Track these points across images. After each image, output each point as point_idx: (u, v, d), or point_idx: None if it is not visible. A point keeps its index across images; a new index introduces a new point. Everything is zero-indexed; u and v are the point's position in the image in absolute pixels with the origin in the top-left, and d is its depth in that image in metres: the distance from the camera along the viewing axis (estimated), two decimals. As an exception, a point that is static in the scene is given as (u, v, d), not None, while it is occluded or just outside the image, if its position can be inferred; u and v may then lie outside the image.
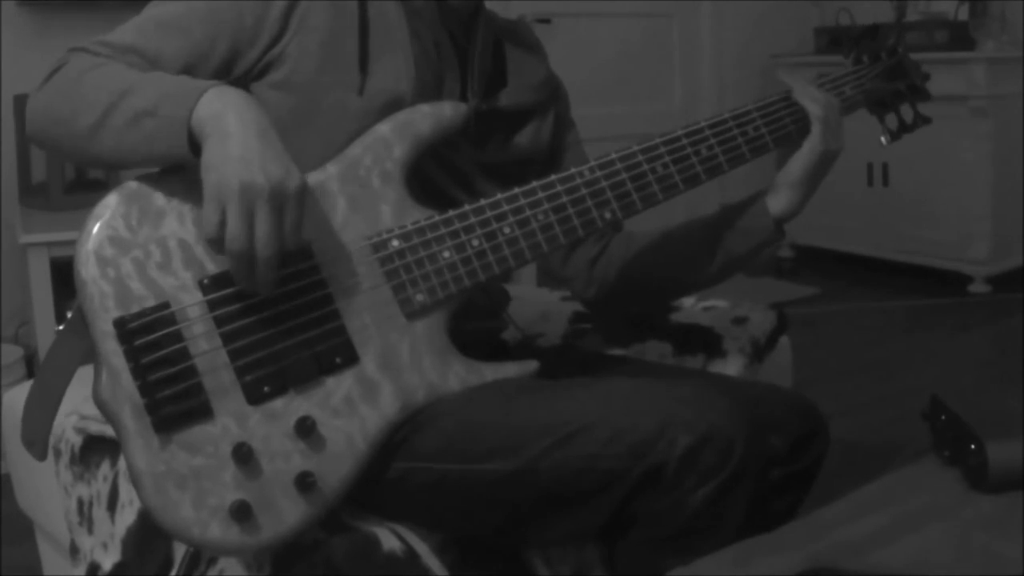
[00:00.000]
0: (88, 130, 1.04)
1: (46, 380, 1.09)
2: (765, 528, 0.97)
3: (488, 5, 1.30)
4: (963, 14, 3.88)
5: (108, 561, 1.18)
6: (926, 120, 1.43)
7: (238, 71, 1.13)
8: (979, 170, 3.71)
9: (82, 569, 1.22)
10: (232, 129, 0.98)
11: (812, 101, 1.25)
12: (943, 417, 1.07)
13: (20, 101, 2.65)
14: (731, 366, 1.49)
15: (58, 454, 1.29)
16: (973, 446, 1.00)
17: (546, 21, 3.96)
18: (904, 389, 2.78)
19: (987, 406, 1.06)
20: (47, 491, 1.37)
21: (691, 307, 1.67)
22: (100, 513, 1.20)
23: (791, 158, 1.25)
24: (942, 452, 1.07)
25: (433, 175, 1.18)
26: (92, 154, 1.06)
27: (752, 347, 1.55)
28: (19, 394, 1.52)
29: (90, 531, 1.22)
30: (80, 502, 1.24)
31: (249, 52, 1.12)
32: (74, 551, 1.25)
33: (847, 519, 0.96)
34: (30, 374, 2.58)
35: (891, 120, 1.43)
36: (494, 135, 1.25)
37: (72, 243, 1.05)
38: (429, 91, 1.17)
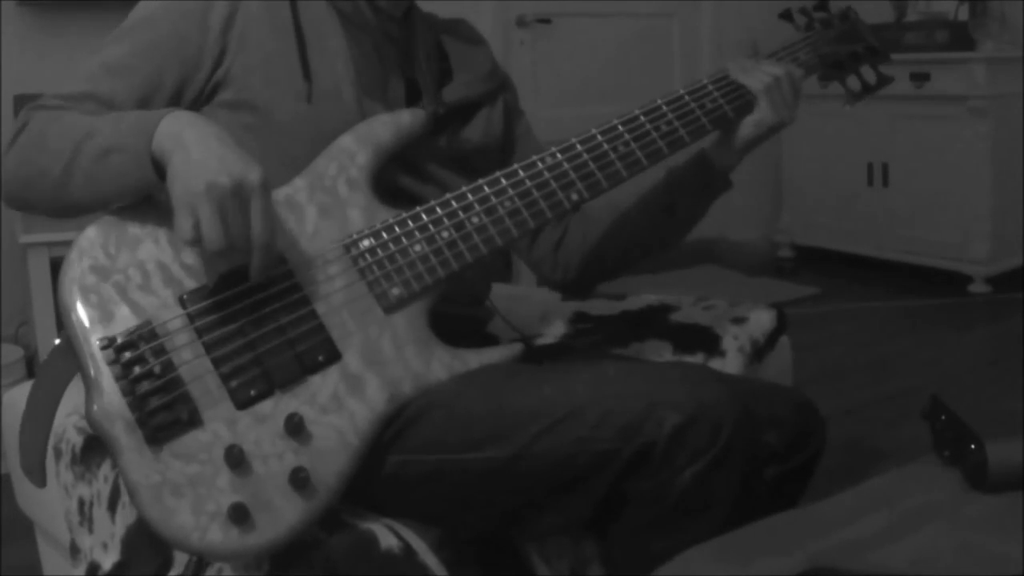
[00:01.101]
0: (59, 179, 1.08)
1: (36, 408, 1.11)
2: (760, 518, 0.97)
3: (488, 6, 1.31)
4: (963, 14, 3.88)
5: (108, 561, 1.18)
6: (888, 79, 1.44)
7: (189, 96, 1.17)
8: (979, 170, 3.71)
9: (82, 569, 1.22)
10: (190, 141, 1.02)
11: (748, 76, 1.27)
12: (943, 417, 1.07)
13: (20, 101, 2.65)
14: (731, 365, 1.49)
15: (59, 454, 1.29)
16: (973, 446, 1.00)
17: (546, 21, 3.96)
18: (904, 389, 2.78)
19: (987, 406, 1.07)
20: (47, 491, 1.37)
21: (691, 307, 1.67)
22: (100, 513, 1.21)
23: (740, 124, 1.27)
24: (942, 452, 1.07)
25: (396, 178, 1.21)
26: (69, 202, 1.10)
27: (752, 347, 1.55)
28: (19, 394, 1.52)
29: (90, 531, 1.22)
30: (80, 502, 1.24)
31: (197, 76, 1.16)
32: (74, 551, 1.26)
33: (847, 519, 0.96)
34: (30, 374, 2.58)
35: (853, 83, 1.44)
36: (447, 129, 1.28)
37: (72, 243, 1.07)
38: (373, 92, 1.21)
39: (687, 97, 1.25)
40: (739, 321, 1.59)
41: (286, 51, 1.18)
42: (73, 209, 1.11)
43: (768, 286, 3.96)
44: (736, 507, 1.03)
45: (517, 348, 1.16)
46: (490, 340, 1.35)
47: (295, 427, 1.03)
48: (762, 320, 1.60)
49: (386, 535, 1.07)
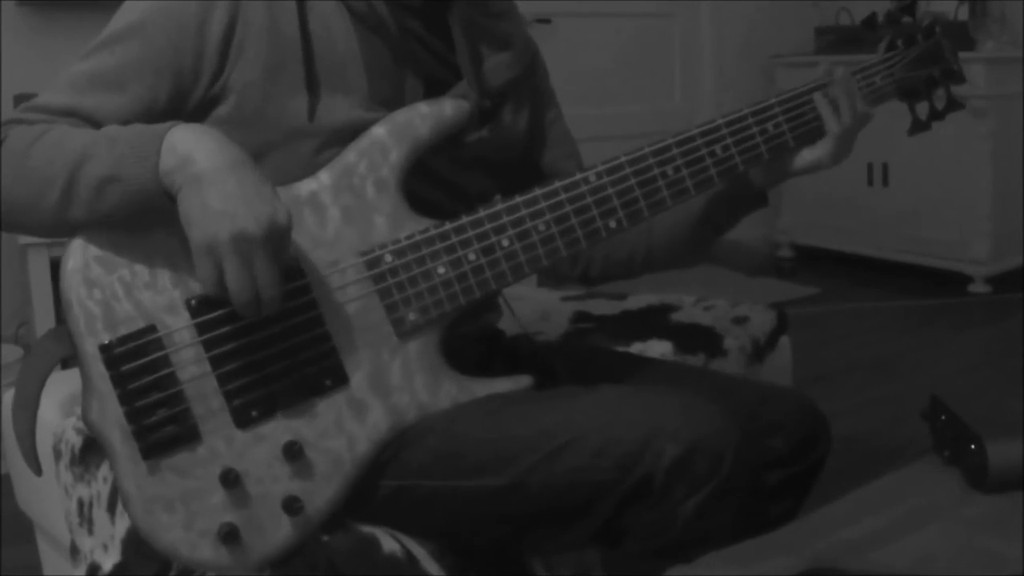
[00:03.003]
0: (56, 209, 0.99)
1: (23, 391, 1.08)
2: (765, 531, 0.96)
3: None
4: (963, 14, 3.88)
5: (108, 562, 1.18)
6: (960, 106, 1.33)
7: (186, 112, 1.07)
8: (979, 170, 3.71)
9: (82, 569, 1.22)
10: (204, 175, 0.94)
11: (836, 115, 1.18)
12: (943, 417, 1.07)
13: (20, 101, 2.65)
14: (731, 366, 1.49)
15: (58, 455, 1.29)
16: (973, 446, 1.00)
17: (546, 21, 3.96)
18: (904, 389, 2.78)
19: (987, 406, 1.06)
20: (47, 491, 1.37)
21: (692, 307, 1.67)
22: (100, 514, 1.20)
23: (797, 154, 1.20)
24: (942, 452, 1.06)
25: (410, 182, 1.11)
26: (68, 228, 1.01)
27: (752, 347, 1.55)
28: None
29: (90, 532, 1.22)
30: (80, 503, 1.24)
31: (194, 91, 1.07)
32: (74, 552, 1.25)
33: (847, 519, 0.96)
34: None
35: (922, 109, 1.32)
36: (468, 126, 1.16)
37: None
38: (388, 101, 1.11)
39: (750, 119, 1.16)
40: (740, 321, 1.59)
41: (289, 63, 1.07)
42: (73, 231, 1.02)
43: (768, 286, 3.95)
44: (737, 521, 1.01)
45: (525, 381, 1.12)
46: (495, 336, 1.35)
47: (294, 453, 1.01)
48: (762, 320, 1.60)
49: (388, 540, 1.07)
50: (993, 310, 3.60)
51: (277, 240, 0.95)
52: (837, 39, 4.13)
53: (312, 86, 1.07)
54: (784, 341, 1.64)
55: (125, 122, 1.03)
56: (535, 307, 1.70)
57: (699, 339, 1.54)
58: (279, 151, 1.08)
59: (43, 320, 2.48)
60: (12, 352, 2.60)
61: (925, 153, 3.82)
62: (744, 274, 4.14)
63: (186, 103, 1.07)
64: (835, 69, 1.20)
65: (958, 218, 3.78)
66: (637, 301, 1.73)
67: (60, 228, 1.02)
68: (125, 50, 1.05)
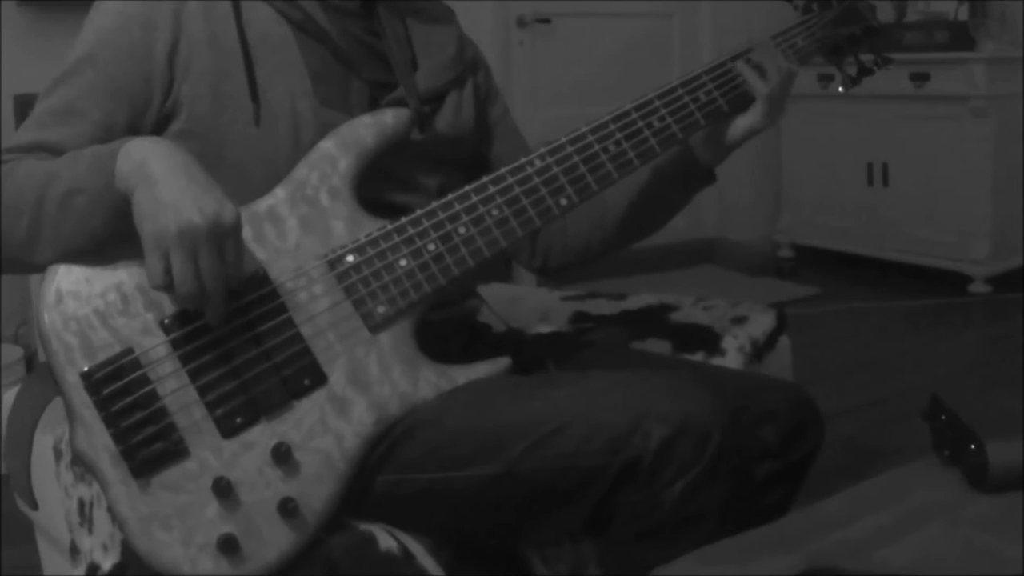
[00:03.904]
0: (27, 233, 1.04)
1: (16, 433, 1.10)
2: (758, 522, 0.97)
3: (488, 6, 1.28)
4: (963, 14, 3.88)
5: (108, 561, 1.18)
6: (887, 61, 1.39)
7: (145, 131, 1.11)
8: (979, 170, 3.71)
9: (82, 569, 1.22)
10: (156, 174, 0.98)
11: (762, 78, 1.21)
12: (943, 417, 1.07)
13: (20, 101, 2.65)
14: (730, 365, 1.49)
15: (58, 455, 1.29)
16: (973, 446, 1.00)
17: (546, 21, 3.96)
18: (904, 389, 2.78)
19: (987, 406, 1.06)
20: (47, 491, 1.37)
21: (691, 307, 1.67)
22: (100, 514, 1.20)
23: (732, 122, 1.23)
24: (942, 452, 1.07)
25: (371, 186, 1.14)
26: (41, 256, 1.05)
27: (752, 347, 1.55)
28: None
29: (90, 531, 1.22)
30: (80, 503, 1.24)
31: (148, 111, 1.11)
32: (74, 551, 1.25)
33: (848, 518, 0.96)
34: (30, 374, 2.57)
35: (850, 66, 1.38)
36: (416, 128, 1.21)
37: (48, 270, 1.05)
38: (333, 102, 1.15)
39: (680, 90, 1.20)
40: (739, 321, 1.59)
41: (232, 72, 1.12)
42: (47, 260, 1.05)
43: (768, 286, 3.96)
44: (727, 509, 1.02)
45: (504, 363, 1.13)
46: (480, 330, 1.35)
47: (282, 456, 1.02)
48: (762, 320, 1.60)
49: (385, 537, 1.07)
50: (993, 310, 3.60)
51: (222, 234, 0.98)
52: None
53: (255, 94, 1.12)
54: (784, 341, 1.64)
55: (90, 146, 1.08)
56: (534, 307, 1.70)
57: (698, 339, 1.54)
58: (233, 159, 1.12)
59: (43, 320, 2.48)
60: (12, 352, 2.60)
61: (925, 153, 3.83)
62: (744, 274, 4.14)
63: (142, 122, 1.12)
64: (753, 36, 1.25)
65: (958, 218, 3.79)
66: (636, 301, 1.73)
67: (32, 258, 1.05)
68: (79, 81, 1.11)
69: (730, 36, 4.37)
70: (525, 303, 1.70)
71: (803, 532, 0.95)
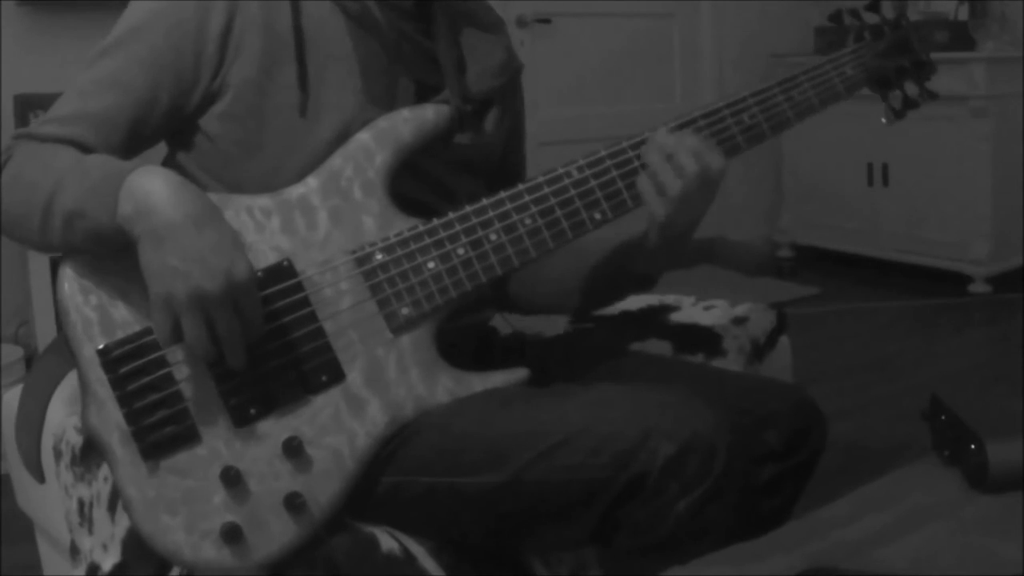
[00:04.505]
0: (39, 233, 1.03)
1: (29, 405, 1.10)
2: (760, 525, 0.97)
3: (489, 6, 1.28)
4: (963, 14, 3.88)
5: (108, 562, 1.18)
6: (932, 96, 1.35)
7: (188, 110, 1.10)
8: (979, 170, 3.71)
9: (82, 569, 1.22)
10: (161, 229, 0.96)
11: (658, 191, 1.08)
12: (943, 417, 1.07)
13: (20, 101, 2.65)
14: (731, 366, 1.49)
15: (58, 455, 1.29)
16: (973, 446, 1.00)
17: (546, 21, 3.96)
18: (904, 389, 2.78)
19: (987, 406, 1.06)
20: (47, 491, 1.37)
21: (691, 307, 1.67)
22: (100, 514, 1.20)
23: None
24: (942, 452, 1.07)
25: (401, 182, 1.13)
26: (54, 249, 1.05)
27: (752, 347, 1.55)
28: (19, 394, 1.52)
29: (90, 532, 1.22)
30: (80, 503, 1.24)
31: (194, 90, 1.09)
32: (74, 551, 1.25)
33: (847, 519, 0.96)
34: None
35: (895, 98, 1.35)
36: (458, 130, 1.19)
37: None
38: (380, 100, 1.13)
39: (725, 111, 1.16)
40: (739, 321, 1.59)
41: (283, 59, 1.10)
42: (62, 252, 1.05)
43: (768, 286, 3.95)
44: (731, 519, 1.02)
45: (521, 374, 1.12)
46: (491, 336, 1.35)
47: (294, 450, 1.02)
48: (762, 320, 1.60)
49: (386, 539, 1.07)
50: (993, 310, 3.60)
51: (236, 294, 0.96)
52: (837, 39, 4.13)
53: (305, 83, 1.10)
54: (784, 341, 1.64)
55: (130, 122, 1.08)
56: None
57: (698, 339, 1.54)
58: (272, 147, 1.10)
59: (43, 320, 2.48)
60: (12, 352, 2.60)
61: (925, 153, 3.83)
62: (744, 274, 4.14)
63: (188, 101, 1.10)
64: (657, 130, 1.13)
65: (958, 218, 3.79)
66: (636, 301, 1.73)
67: (48, 248, 1.05)
68: (127, 53, 1.08)
69: (730, 36, 4.38)
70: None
71: (803, 534, 0.95)
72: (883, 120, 1.36)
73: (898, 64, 1.31)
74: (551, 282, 1.32)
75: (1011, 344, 3.14)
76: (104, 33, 1.13)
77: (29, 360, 2.65)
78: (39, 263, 2.48)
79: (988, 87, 3.65)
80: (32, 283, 2.49)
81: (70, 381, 1.29)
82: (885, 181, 3.99)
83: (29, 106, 2.56)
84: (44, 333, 2.48)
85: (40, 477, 1.12)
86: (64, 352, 1.05)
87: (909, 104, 1.35)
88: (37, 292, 2.48)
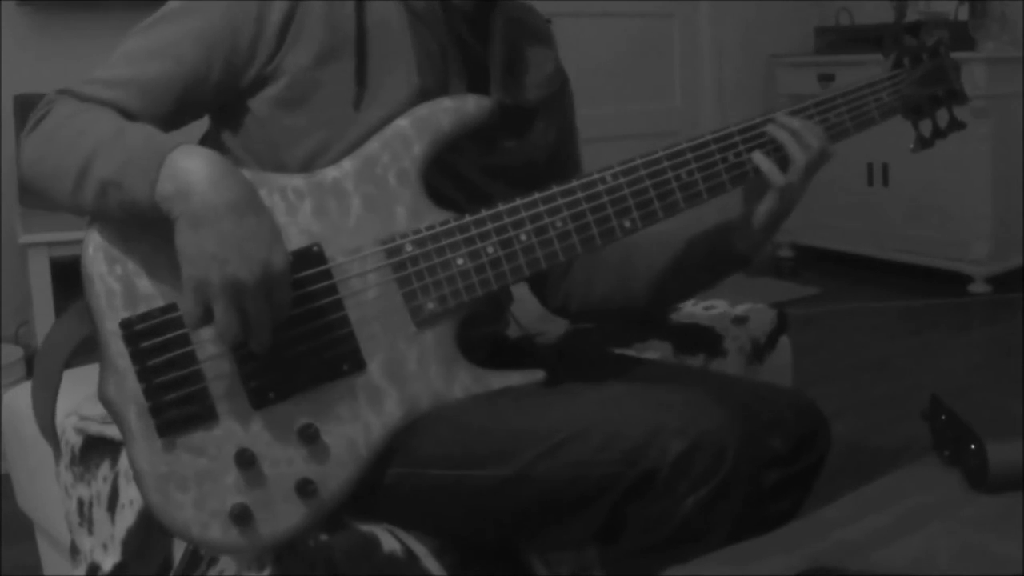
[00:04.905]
0: (70, 195, 1.02)
1: (44, 367, 1.10)
2: (765, 530, 0.97)
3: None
4: (963, 14, 3.88)
5: (108, 562, 1.18)
6: (961, 125, 1.36)
7: (238, 89, 1.10)
8: (979, 170, 3.71)
9: (82, 569, 1.22)
10: (200, 213, 0.94)
11: (777, 165, 1.18)
12: (943, 417, 1.07)
13: (20, 101, 2.65)
14: (731, 366, 1.49)
15: (58, 455, 1.29)
16: (973, 446, 1.00)
17: (546, 21, 3.95)
18: (904, 389, 2.78)
19: (987, 406, 1.06)
20: (47, 491, 1.37)
21: (691, 307, 1.67)
22: (100, 514, 1.20)
23: (757, 202, 1.20)
24: (942, 452, 1.07)
25: (436, 179, 1.13)
26: (83, 212, 1.04)
27: (752, 347, 1.55)
28: (19, 394, 1.52)
29: (90, 532, 1.22)
30: (80, 503, 1.24)
31: (247, 71, 1.09)
32: (74, 551, 1.25)
33: (848, 519, 0.96)
34: (30, 374, 2.57)
35: (925, 126, 1.36)
36: (500, 134, 1.20)
37: (72, 243, 1.05)
38: (432, 96, 1.12)
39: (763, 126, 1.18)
40: (739, 321, 1.59)
41: (342, 51, 1.09)
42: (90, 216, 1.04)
43: (768, 286, 3.95)
44: (736, 523, 1.02)
45: (538, 375, 1.12)
46: (503, 341, 1.35)
47: (309, 437, 1.02)
48: (762, 320, 1.60)
49: (388, 539, 1.07)
50: (993, 310, 3.60)
51: (271, 286, 0.96)
52: (837, 39, 4.13)
53: (362, 78, 1.09)
54: (784, 341, 1.64)
55: (178, 95, 1.07)
56: (536, 308, 1.70)
57: (699, 339, 1.54)
58: (320, 136, 1.09)
59: (43, 320, 2.48)
60: (12, 352, 2.60)
61: (925, 153, 3.81)
62: (744, 274, 4.14)
63: (238, 80, 1.09)
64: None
65: (958, 218, 3.78)
66: (637, 301, 1.73)
67: (74, 211, 1.04)
68: (182, 26, 1.08)
69: (730, 36, 4.37)
70: (527, 303, 1.69)
71: (804, 534, 0.95)
72: (911, 147, 1.38)
73: (932, 92, 1.32)
74: (612, 281, 1.32)
75: (1011, 344, 3.13)
76: (104, 33, 1.13)
77: (29, 360, 2.65)
78: (39, 263, 2.47)
79: (988, 87, 3.64)
80: (32, 283, 2.48)
81: (70, 381, 1.29)
82: (885, 181, 3.99)
83: (29, 106, 2.55)
84: (44, 333, 2.48)
85: (55, 442, 1.12)
86: (84, 316, 1.04)
87: (939, 133, 1.36)
88: (37, 292, 2.47)
